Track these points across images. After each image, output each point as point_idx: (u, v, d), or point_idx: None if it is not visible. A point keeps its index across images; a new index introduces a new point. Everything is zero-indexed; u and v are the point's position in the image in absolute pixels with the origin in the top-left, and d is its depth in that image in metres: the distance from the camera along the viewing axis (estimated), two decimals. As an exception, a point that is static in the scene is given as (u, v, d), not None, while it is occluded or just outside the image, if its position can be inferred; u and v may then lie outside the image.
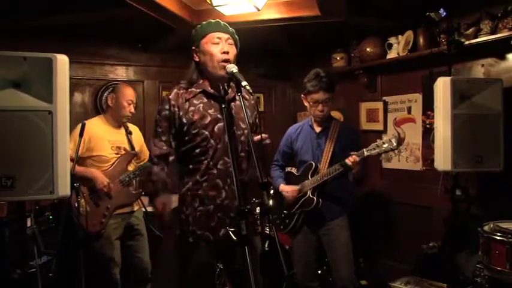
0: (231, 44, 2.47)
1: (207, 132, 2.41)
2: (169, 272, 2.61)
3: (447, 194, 3.26)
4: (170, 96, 2.46)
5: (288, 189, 3.38)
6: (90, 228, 3.37)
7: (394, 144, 2.97)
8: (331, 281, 3.82)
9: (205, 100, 2.46)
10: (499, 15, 3.36)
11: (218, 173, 2.42)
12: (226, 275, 3.11)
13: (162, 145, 2.47)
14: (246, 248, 2.03)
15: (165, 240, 3.74)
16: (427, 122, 4.12)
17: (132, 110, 3.68)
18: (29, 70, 2.21)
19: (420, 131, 4.22)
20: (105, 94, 4.74)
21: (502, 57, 3.53)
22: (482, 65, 3.66)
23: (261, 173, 2.07)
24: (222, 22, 2.49)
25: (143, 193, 3.75)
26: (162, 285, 3.89)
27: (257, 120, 2.65)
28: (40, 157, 2.20)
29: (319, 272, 3.88)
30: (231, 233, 2.24)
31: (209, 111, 2.44)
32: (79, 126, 3.33)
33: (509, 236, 2.69)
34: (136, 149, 3.73)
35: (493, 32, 3.40)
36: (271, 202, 3.81)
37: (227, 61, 2.39)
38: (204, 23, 2.49)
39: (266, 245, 3.89)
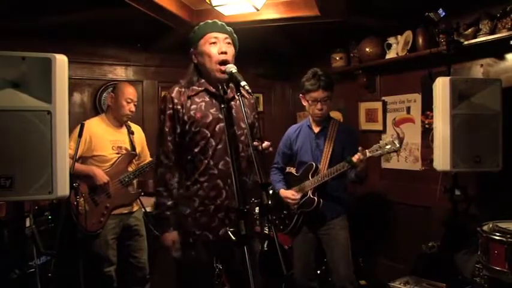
0: (229, 44, 2.47)
1: (208, 132, 2.40)
2: (168, 272, 2.61)
3: (446, 194, 3.26)
4: (172, 95, 2.44)
5: (289, 196, 3.36)
6: (89, 228, 3.38)
7: (397, 145, 2.97)
8: (330, 281, 3.83)
9: (207, 99, 2.46)
10: (498, 15, 3.36)
11: (219, 173, 2.41)
12: (225, 275, 3.11)
13: (169, 147, 2.45)
14: (245, 248, 2.03)
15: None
16: (426, 122, 4.12)
17: (133, 108, 3.67)
18: (28, 70, 2.20)
19: (419, 131, 4.22)
20: (104, 94, 4.75)
21: (501, 57, 3.54)
22: (481, 65, 3.66)
23: (260, 173, 2.07)
24: (219, 22, 2.48)
25: (143, 193, 3.75)
26: (161, 286, 3.90)
27: (256, 123, 2.64)
28: (39, 157, 2.19)
29: (318, 272, 3.89)
30: (230, 233, 2.24)
31: (211, 110, 2.44)
32: (78, 126, 3.33)
33: (508, 236, 2.69)
34: (138, 149, 3.73)
35: (492, 32, 3.40)
36: (270, 202, 3.80)
37: (225, 61, 2.39)
38: (201, 24, 2.49)
39: (265, 245, 3.89)
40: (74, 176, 3.18)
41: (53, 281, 3.25)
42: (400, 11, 3.87)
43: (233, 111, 2.48)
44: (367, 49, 4.44)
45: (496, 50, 3.50)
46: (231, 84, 2.49)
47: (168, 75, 5.11)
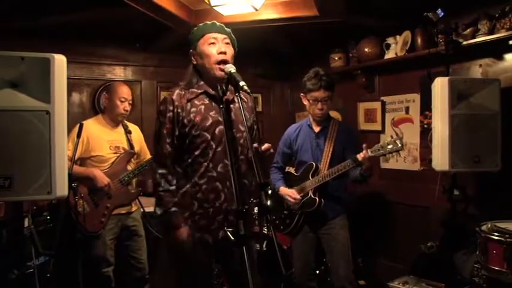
0: (228, 44, 2.47)
1: (208, 135, 2.40)
2: (168, 272, 2.61)
3: (445, 194, 3.26)
4: (173, 97, 2.43)
5: (290, 195, 3.36)
6: (90, 228, 3.38)
7: (399, 145, 2.98)
8: (328, 281, 3.83)
9: (206, 102, 2.46)
10: (497, 15, 3.36)
11: (218, 175, 2.41)
12: (224, 275, 3.11)
13: (167, 149, 2.44)
14: (244, 248, 2.03)
15: (163, 241, 3.73)
16: (425, 122, 4.12)
17: (127, 107, 3.66)
18: (27, 70, 2.19)
19: (418, 131, 4.23)
20: (103, 94, 4.74)
21: (500, 58, 3.54)
22: (480, 65, 3.66)
23: (259, 173, 2.07)
24: (217, 23, 2.49)
25: (142, 193, 3.75)
26: (160, 286, 3.90)
27: (255, 126, 2.64)
28: (38, 157, 2.18)
29: (317, 272, 3.89)
30: (229, 233, 2.24)
31: (210, 113, 2.44)
32: (77, 126, 3.32)
33: (507, 235, 2.69)
34: (136, 148, 3.73)
35: (490, 32, 3.40)
36: (269, 202, 3.80)
37: (224, 61, 2.39)
38: (200, 25, 2.49)
39: (264, 245, 3.89)
40: (74, 178, 3.18)
41: (51, 282, 3.26)
42: (399, 11, 3.87)
43: (232, 113, 2.49)
44: (366, 49, 4.44)
45: (494, 50, 3.51)
46: (230, 87, 2.49)
47: (166, 75, 5.11)
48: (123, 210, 3.61)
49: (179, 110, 2.41)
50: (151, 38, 4.74)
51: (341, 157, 3.22)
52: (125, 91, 3.66)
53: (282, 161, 3.64)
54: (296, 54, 5.41)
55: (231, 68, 2.34)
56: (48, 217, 3.52)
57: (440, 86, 3.04)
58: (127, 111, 3.68)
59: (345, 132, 3.41)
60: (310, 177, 3.33)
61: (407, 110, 4.35)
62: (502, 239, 2.70)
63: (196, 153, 2.41)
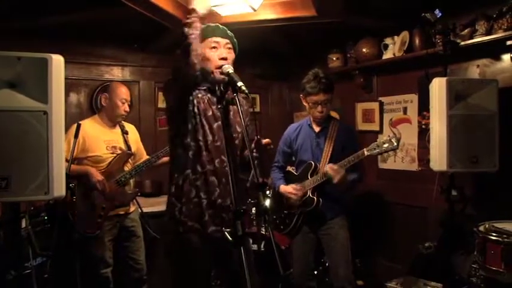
0: (230, 49, 2.48)
1: (207, 125, 2.42)
2: (166, 273, 2.60)
3: (443, 194, 3.26)
4: None
5: (291, 191, 3.37)
6: (86, 229, 3.36)
7: (395, 144, 2.99)
8: (327, 281, 3.83)
9: (209, 96, 2.48)
10: (495, 16, 3.36)
11: (214, 170, 2.42)
12: (221, 277, 3.10)
13: None
14: (242, 248, 2.03)
15: (161, 241, 3.73)
16: (423, 122, 4.12)
17: (127, 108, 3.66)
18: (24, 70, 2.19)
19: (416, 131, 4.23)
20: (100, 94, 4.73)
21: (497, 58, 3.54)
22: (478, 66, 3.67)
23: (257, 173, 2.07)
24: (221, 26, 2.49)
25: (139, 193, 3.74)
26: (158, 287, 3.89)
27: (247, 128, 2.64)
28: (35, 158, 2.18)
29: (316, 272, 3.89)
30: (226, 233, 2.23)
31: (212, 106, 2.46)
32: (74, 126, 3.31)
33: (505, 236, 2.70)
34: (133, 148, 3.72)
35: (488, 33, 3.40)
36: (268, 202, 3.81)
37: None
38: (202, 26, 2.47)
39: (262, 246, 3.89)
40: (70, 176, 3.17)
41: (49, 283, 3.25)
42: (397, 12, 3.88)
43: (231, 114, 2.52)
44: (364, 49, 4.45)
45: (492, 50, 3.51)
46: (229, 88, 2.49)
47: (164, 75, 5.06)
48: (121, 211, 3.59)
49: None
50: (150, 39, 4.74)
51: (340, 157, 3.22)
52: (125, 92, 3.66)
53: (282, 160, 3.64)
54: (294, 55, 5.41)
55: (229, 68, 2.34)
56: (46, 218, 3.50)
57: (438, 87, 3.04)
58: (127, 112, 3.68)
59: (345, 132, 3.42)
60: (309, 177, 3.33)
61: (405, 110, 4.35)
62: (500, 239, 2.71)
63: (200, 137, 2.41)
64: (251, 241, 3.74)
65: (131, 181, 3.72)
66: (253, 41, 4.14)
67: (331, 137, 3.37)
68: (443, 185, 3.27)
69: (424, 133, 4.10)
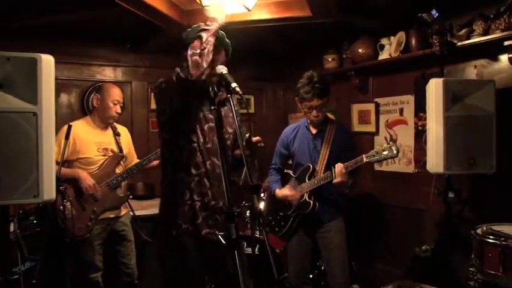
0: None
1: (198, 128, 2.42)
2: (157, 277, 2.57)
3: (440, 196, 3.25)
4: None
5: (288, 194, 3.34)
6: (76, 232, 3.31)
7: (395, 152, 2.96)
8: (323, 284, 3.80)
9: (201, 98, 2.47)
10: (492, 16, 3.35)
11: (206, 172, 2.43)
12: (216, 280, 3.06)
13: None
14: (236, 252, 2.01)
15: (152, 245, 3.69)
16: (420, 123, 4.10)
17: (119, 110, 3.62)
18: (13, 70, 2.16)
19: (412, 132, 4.20)
20: (92, 95, 4.68)
21: (495, 59, 3.52)
22: (475, 66, 3.65)
23: (251, 176, 2.05)
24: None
25: (131, 196, 3.69)
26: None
27: (240, 129, 2.62)
28: (24, 160, 2.15)
29: (311, 276, 3.85)
30: (220, 237, 2.21)
31: (203, 108, 2.46)
32: (65, 128, 3.26)
33: (502, 239, 2.69)
34: (125, 151, 3.68)
35: (485, 33, 3.38)
36: (262, 205, 3.78)
37: None
38: (194, 26, 2.44)
39: (256, 249, 3.85)
40: (60, 180, 3.12)
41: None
42: (393, 12, 3.86)
43: (223, 114, 2.53)
44: (360, 50, 4.42)
45: (489, 51, 3.49)
46: (222, 89, 2.47)
47: (157, 76, 4.91)
48: (111, 215, 3.55)
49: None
50: (142, 39, 4.69)
51: (337, 159, 3.18)
52: (117, 93, 3.61)
53: (279, 162, 3.61)
54: (289, 55, 5.38)
55: (223, 69, 2.31)
56: (35, 221, 3.45)
57: (434, 87, 3.02)
58: (119, 113, 3.64)
59: (342, 135, 3.39)
60: (306, 180, 3.30)
61: (401, 111, 4.33)
62: (498, 242, 2.69)
63: (193, 137, 2.41)
64: (245, 244, 3.72)
65: (123, 184, 3.67)
66: (247, 42, 4.10)
67: (329, 139, 3.33)
68: (440, 187, 3.27)
69: (420, 134, 4.07)
